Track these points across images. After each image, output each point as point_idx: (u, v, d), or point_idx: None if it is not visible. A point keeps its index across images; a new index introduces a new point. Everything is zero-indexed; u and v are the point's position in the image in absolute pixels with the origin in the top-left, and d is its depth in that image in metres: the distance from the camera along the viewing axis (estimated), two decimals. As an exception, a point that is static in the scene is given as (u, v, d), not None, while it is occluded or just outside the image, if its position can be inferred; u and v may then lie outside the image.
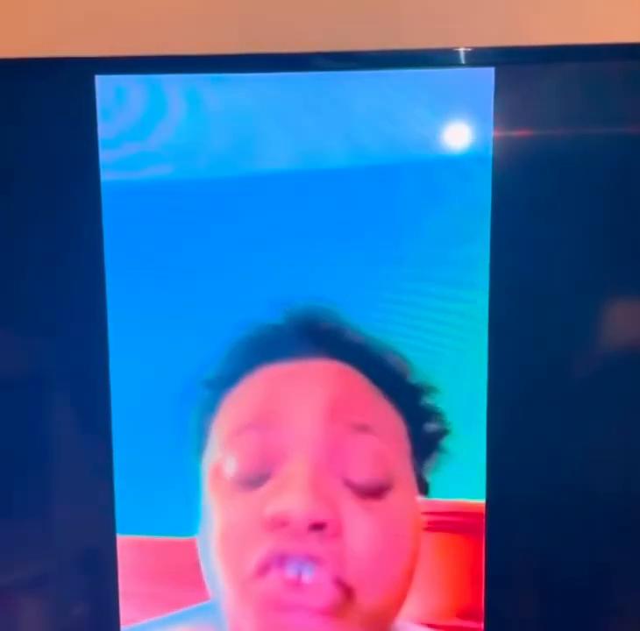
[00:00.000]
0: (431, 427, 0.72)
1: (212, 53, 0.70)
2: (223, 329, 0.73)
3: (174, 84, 0.70)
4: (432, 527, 0.73)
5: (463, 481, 0.73)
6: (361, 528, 0.72)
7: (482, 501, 0.73)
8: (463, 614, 0.74)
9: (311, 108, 0.70)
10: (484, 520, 0.73)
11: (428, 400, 0.72)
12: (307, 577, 0.72)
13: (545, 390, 0.72)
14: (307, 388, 0.72)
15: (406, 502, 0.73)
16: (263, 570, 0.72)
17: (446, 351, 0.71)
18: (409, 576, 0.73)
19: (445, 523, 0.73)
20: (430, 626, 0.75)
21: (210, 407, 0.74)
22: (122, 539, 0.76)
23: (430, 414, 0.72)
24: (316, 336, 0.72)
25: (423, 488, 0.73)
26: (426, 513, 0.73)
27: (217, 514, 0.74)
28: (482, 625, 0.74)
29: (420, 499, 0.73)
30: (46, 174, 0.72)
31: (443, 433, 0.72)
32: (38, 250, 0.74)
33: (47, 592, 0.79)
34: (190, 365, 0.73)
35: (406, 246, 0.71)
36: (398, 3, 0.78)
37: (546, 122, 0.69)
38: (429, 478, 0.73)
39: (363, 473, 0.72)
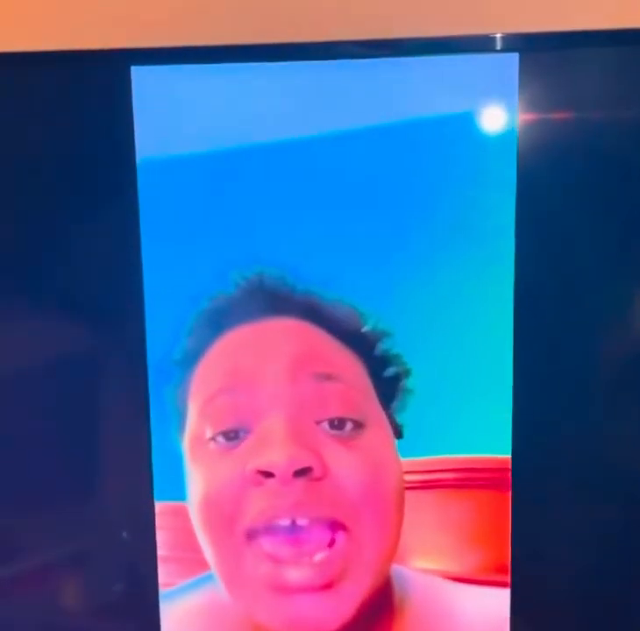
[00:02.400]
0: (391, 371, 0.74)
1: (242, 43, 0.72)
2: (182, 306, 0.75)
3: (205, 73, 0.72)
4: (457, 483, 0.75)
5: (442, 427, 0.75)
6: (345, 465, 0.74)
7: (507, 456, 0.74)
8: (490, 568, 0.77)
9: (335, 94, 0.71)
10: (510, 474, 0.74)
11: (383, 346, 0.74)
12: (300, 524, 0.74)
13: (569, 349, 0.73)
14: (269, 346, 0.74)
15: (381, 439, 0.75)
16: (256, 525, 0.74)
17: (398, 296, 0.73)
18: (398, 508, 0.75)
19: (470, 479, 0.75)
20: (457, 580, 0.77)
21: (184, 383, 0.76)
22: (160, 505, 0.78)
23: (388, 358, 0.74)
24: (271, 300, 0.74)
25: (397, 430, 0.75)
26: (447, 470, 0.75)
27: (201, 480, 0.76)
28: (509, 578, 0.76)
29: (393, 438, 0.75)
30: (81, 164, 0.74)
31: (403, 374, 0.74)
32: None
33: (88, 558, 0.82)
34: (159, 347, 0.76)
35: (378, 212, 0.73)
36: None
37: (571, 107, 0.70)
38: (398, 419, 0.75)
39: (336, 415, 0.74)
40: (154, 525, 0.78)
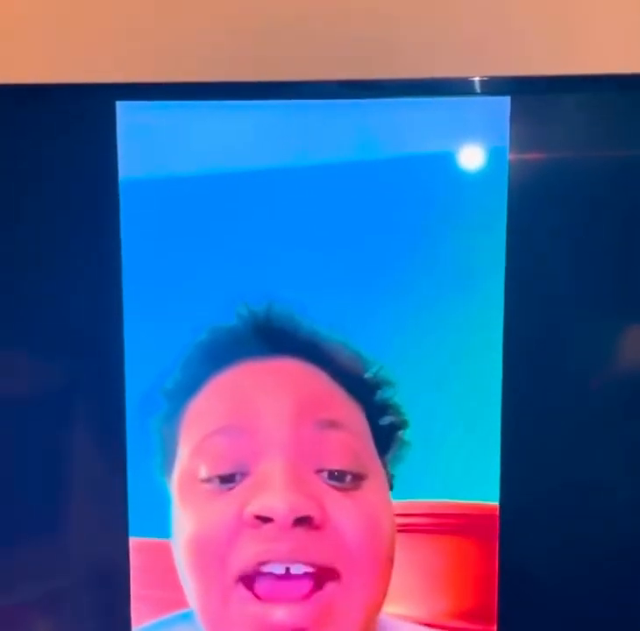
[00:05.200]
0: (387, 420, 0.73)
1: (229, 80, 0.72)
2: (179, 335, 0.73)
3: (190, 109, 0.72)
4: (444, 529, 0.74)
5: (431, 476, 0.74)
6: (345, 516, 0.72)
7: (495, 503, 0.73)
8: (475, 617, 0.75)
9: (324, 134, 0.71)
10: (497, 521, 0.73)
11: (383, 395, 0.73)
12: (294, 572, 0.72)
13: (558, 391, 0.73)
14: (272, 388, 0.73)
15: (379, 491, 0.74)
16: (249, 569, 0.72)
17: (404, 346, 0.72)
18: (389, 563, 0.74)
19: (455, 525, 0.74)
20: (440, 628, 0.75)
21: (174, 417, 0.74)
22: (134, 541, 0.76)
23: (387, 407, 0.73)
24: (275, 336, 0.72)
25: (390, 481, 0.74)
26: (437, 514, 0.74)
27: (191, 521, 0.74)
28: (495, 627, 0.75)
29: (388, 489, 0.74)
30: (63, 200, 0.74)
31: (399, 425, 0.73)
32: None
33: (60, 596, 0.80)
34: (149, 375, 0.74)
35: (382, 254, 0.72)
36: (415, 33, 0.80)
37: (560, 149, 0.70)
38: (393, 470, 0.74)
39: (337, 467, 0.73)
40: (128, 562, 0.76)
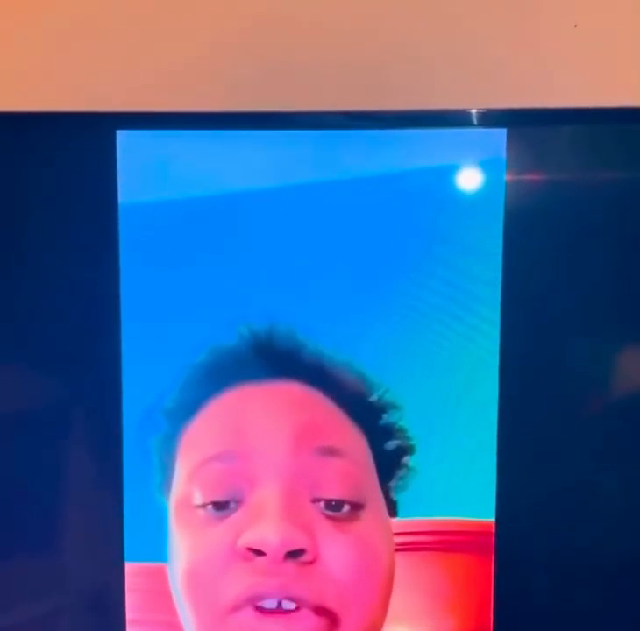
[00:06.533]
0: (393, 444, 0.72)
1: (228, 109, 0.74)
2: (179, 354, 0.72)
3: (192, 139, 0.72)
4: (445, 546, 0.73)
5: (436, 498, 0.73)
6: (338, 551, 0.71)
7: (491, 520, 0.72)
8: None
9: (324, 155, 0.71)
10: (493, 538, 0.73)
11: (389, 419, 0.71)
12: (287, 607, 0.71)
13: (555, 414, 0.73)
14: (271, 412, 0.71)
15: (378, 521, 0.72)
16: (241, 603, 0.71)
17: (409, 368, 0.71)
18: (387, 594, 0.73)
19: (457, 542, 0.73)
20: None
21: (173, 438, 0.73)
22: (130, 566, 0.75)
23: (392, 431, 0.72)
24: (276, 358, 0.71)
25: (392, 508, 0.73)
26: (430, 532, 0.73)
27: (186, 548, 0.72)
28: None
29: (389, 518, 0.72)
30: (64, 224, 0.74)
31: (406, 450, 0.72)
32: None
33: (53, 620, 0.79)
34: (150, 395, 0.73)
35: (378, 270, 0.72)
36: (415, 65, 0.82)
37: (554, 178, 0.71)
38: (396, 497, 0.72)
39: (334, 496, 0.71)
40: (124, 586, 0.75)
